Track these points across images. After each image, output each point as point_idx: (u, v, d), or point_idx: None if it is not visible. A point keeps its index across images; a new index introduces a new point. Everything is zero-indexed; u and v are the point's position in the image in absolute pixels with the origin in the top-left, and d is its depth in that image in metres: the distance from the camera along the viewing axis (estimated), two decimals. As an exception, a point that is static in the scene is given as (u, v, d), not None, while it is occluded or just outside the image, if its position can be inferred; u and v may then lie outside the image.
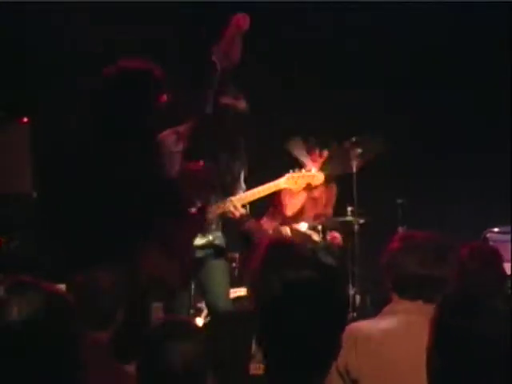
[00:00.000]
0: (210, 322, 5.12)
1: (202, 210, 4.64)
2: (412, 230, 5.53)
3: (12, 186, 5.68)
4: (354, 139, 5.75)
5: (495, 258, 3.93)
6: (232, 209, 4.67)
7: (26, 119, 5.65)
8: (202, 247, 4.68)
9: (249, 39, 4.57)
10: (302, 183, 4.97)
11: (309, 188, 5.25)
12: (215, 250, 4.74)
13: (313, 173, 5.06)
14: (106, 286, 3.61)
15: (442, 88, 6.64)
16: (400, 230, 5.73)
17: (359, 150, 5.75)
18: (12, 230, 5.65)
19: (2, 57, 5.74)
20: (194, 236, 4.64)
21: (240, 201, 4.73)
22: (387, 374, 2.66)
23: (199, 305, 5.36)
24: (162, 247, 4.38)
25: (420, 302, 2.82)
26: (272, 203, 6.01)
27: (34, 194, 5.61)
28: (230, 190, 4.81)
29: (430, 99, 6.68)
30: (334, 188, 6.06)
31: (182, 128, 4.74)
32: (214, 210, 4.72)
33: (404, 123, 6.53)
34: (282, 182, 4.98)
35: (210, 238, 4.71)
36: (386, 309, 2.87)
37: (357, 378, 2.70)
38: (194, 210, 4.65)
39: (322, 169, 5.51)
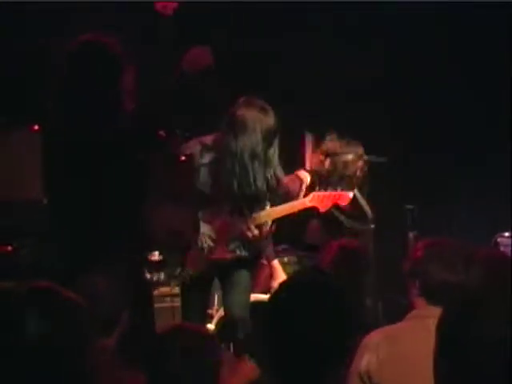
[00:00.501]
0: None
1: (191, 157, 4.66)
2: (422, 236, 5.55)
3: (22, 193, 5.72)
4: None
5: (502, 263, 3.95)
6: (245, 230, 4.64)
7: (36, 127, 5.67)
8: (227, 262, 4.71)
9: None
10: (328, 203, 4.94)
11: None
12: (239, 261, 4.73)
13: (339, 192, 5.03)
14: (106, 291, 3.61)
15: (452, 94, 6.69)
16: (410, 235, 5.70)
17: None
18: (22, 238, 5.63)
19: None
20: (191, 181, 4.66)
21: (254, 221, 4.68)
22: (410, 379, 2.68)
23: (210, 311, 5.38)
24: (166, 199, 4.54)
25: None
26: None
27: (45, 201, 5.65)
28: (253, 205, 4.73)
29: (440, 105, 6.72)
30: None
31: (208, 139, 4.70)
32: (231, 230, 4.68)
33: (412, 129, 6.56)
34: (307, 201, 4.93)
35: (238, 253, 4.71)
36: (413, 314, 2.94)
37: (378, 382, 2.73)
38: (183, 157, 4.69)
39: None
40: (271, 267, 4.87)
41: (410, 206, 5.91)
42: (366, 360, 2.77)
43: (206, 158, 4.64)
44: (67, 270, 4.10)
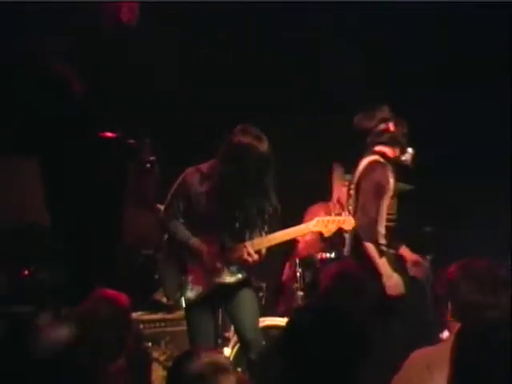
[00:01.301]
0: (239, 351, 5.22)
1: (154, 163, 4.88)
2: (440, 258, 5.68)
3: (38, 218, 5.83)
4: None
5: None
6: (245, 256, 4.69)
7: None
8: (230, 284, 4.77)
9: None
10: (332, 227, 4.94)
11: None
12: (241, 281, 4.79)
13: (343, 217, 5.05)
14: (108, 318, 3.71)
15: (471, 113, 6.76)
16: (427, 258, 5.76)
17: None
18: (39, 262, 5.74)
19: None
20: (156, 188, 4.95)
21: (255, 246, 4.74)
22: None
23: (227, 334, 5.49)
24: (135, 208, 4.97)
25: None
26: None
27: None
28: (249, 232, 4.80)
29: (458, 127, 6.80)
30: None
31: (205, 167, 4.80)
32: (229, 254, 4.76)
33: (431, 151, 6.60)
34: (311, 225, 4.95)
35: (239, 275, 4.78)
36: (449, 336, 2.99)
37: None
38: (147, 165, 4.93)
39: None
40: (379, 265, 4.93)
41: (428, 228, 5.99)
42: (415, 381, 2.83)
43: (204, 187, 4.74)
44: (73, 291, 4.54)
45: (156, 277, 5.55)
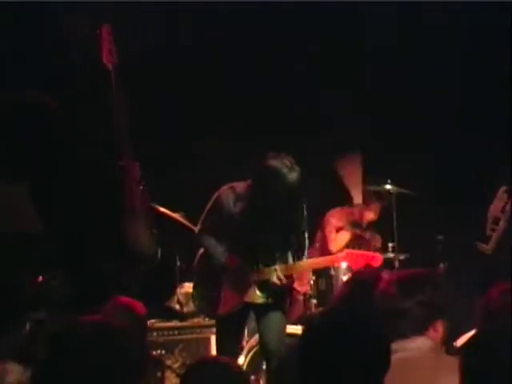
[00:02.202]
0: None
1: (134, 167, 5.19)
2: (452, 266, 6.04)
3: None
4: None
5: None
6: (275, 279, 4.91)
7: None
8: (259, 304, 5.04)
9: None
10: (360, 263, 5.22)
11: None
12: (273, 301, 5.04)
13: (372, 253, 5.38)
14: (126, 325, 3.62)
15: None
16: (441, 266, 5.91)
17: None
18: (52, 269, 5.56)
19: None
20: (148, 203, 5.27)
21: (285, 271, 4.96)
22: None
23: (244, 343, 5.63)
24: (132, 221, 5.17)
25: None
26: (317, 238, 6.30)
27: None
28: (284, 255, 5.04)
29: (465, 137, 6.89)
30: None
31: (239, 186, 5.03)
32: (259, 275, 4.97)
33: (442, 159, 6.69)
34: (341, 258, 5.33)
35: (269, 300, 5.01)
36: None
37: None
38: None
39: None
40: None
41: (440, 237, 6.08)
42: None
43: (238, 208, 4.97)
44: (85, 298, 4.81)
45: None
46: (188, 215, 6.01)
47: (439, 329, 3.37)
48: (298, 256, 5.07)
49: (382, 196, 6.59)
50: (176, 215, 6.06)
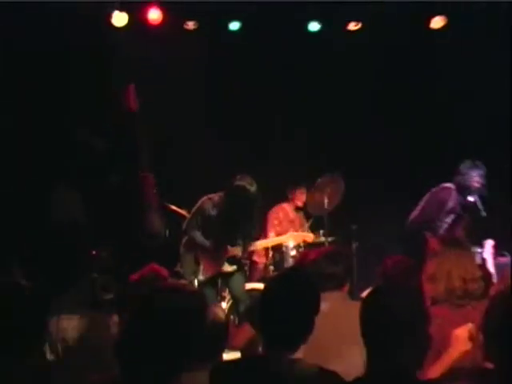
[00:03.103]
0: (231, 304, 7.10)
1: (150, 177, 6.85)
2: (360, 245, 7.31)
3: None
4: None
5: None
6: (240, 254, 6.72)
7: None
8: (228, 272, 6.77)
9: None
10: (299, 239, 7.08)
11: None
12: (235, 270, 6.87)
13: (306, 234, 7.18)
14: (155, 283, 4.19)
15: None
16: (353, 245, 7.52)
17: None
18: (103, 245, 7.10)
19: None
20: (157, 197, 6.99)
21: (244, 249, 6.75)
22: None
23: (224, 294, 7.24)
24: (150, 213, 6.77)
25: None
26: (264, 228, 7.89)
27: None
28: (244, 241, 6.72)
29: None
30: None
31: (215, 197, 6.63)
32: (228, 253, 6.69)
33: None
34: (285, 238, 7.13)
35: (234, 266, 6.78)
36: None
37: None
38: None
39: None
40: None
41: (354, 226, 7.71)
42: None
43: (214, 211, 6.59)
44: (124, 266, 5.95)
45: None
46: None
47: (348, 286, 4.14)
48: (250, 241, 6.75)
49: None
50: (183, 211, 7.44)
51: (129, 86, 7.00)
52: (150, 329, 2.51)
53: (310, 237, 7.26)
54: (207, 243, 6.70)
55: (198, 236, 6.72)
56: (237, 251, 6.81)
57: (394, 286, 3.10)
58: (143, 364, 2.50)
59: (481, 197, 6.41)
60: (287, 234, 7.22)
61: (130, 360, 2.51)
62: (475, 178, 6.34)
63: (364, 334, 2.77)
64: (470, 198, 6.38)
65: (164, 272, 4.53)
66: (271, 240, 7.25)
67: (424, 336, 2.72)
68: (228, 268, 6.85)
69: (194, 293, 2.72)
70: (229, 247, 6.80)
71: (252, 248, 6.95)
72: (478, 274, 3.79)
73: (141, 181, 7.07)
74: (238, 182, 6.43)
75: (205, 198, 6.71)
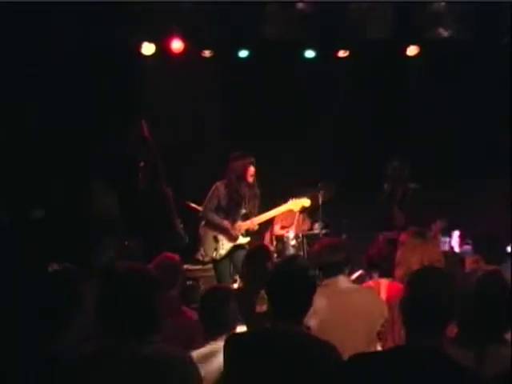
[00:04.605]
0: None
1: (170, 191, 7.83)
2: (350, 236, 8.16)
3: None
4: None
5: None
6: (251, 226, 7.63)
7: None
8: (243, 243, 7.57)
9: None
10: (298, 205, 7.92)
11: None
12: (240, 246, 7.66)
13: (304, 199, 7.95)
14: (169, 267, 4.84)
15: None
16: (343, 236, 8.51)
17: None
18: (132, 237, 7.94)
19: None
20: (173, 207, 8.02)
21: (255, 221, 7.57)
22: None
23: (235, 277, 7.74)
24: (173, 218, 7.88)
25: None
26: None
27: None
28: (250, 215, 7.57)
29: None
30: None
31: (224, 182, 7.52)
32: (241, 228, 7.58)
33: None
34: (288, 206, 7.77)
35: (248, 238, 7.56)
36: None
37: None
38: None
39: None
40: None
41: (345, 220, 8.75)
42: None
43: (223, 193, 7.48)
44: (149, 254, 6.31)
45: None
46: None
47: (348, 270, 4.48)
48: (253, 215, 7.50)
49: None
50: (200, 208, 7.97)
51: (141, 121, 8.02)
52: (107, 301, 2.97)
53: (307, 202, 7.95)
54: (224, 222, 7.56)
55: (215, 217, 7.59)
56: (247, 225, 7.70)
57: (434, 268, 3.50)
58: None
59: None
60: (289, 202, 7.89)
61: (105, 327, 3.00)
62: None
63: (415, 312, 3.01)
64: None
65: (176, 257, 5.08)
66: (276, 210, 7.84)
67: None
68: (243, 240, 7.71)
69: (148, 273, 3.07)
70: (240, 222, 7.67)
71: (258, 220, 7.70)
72: (437, 260, 4.27)
73: (165, 193, 8.10)
74: (234, 161, 7.59)
75: (218, 183, 7.63)
